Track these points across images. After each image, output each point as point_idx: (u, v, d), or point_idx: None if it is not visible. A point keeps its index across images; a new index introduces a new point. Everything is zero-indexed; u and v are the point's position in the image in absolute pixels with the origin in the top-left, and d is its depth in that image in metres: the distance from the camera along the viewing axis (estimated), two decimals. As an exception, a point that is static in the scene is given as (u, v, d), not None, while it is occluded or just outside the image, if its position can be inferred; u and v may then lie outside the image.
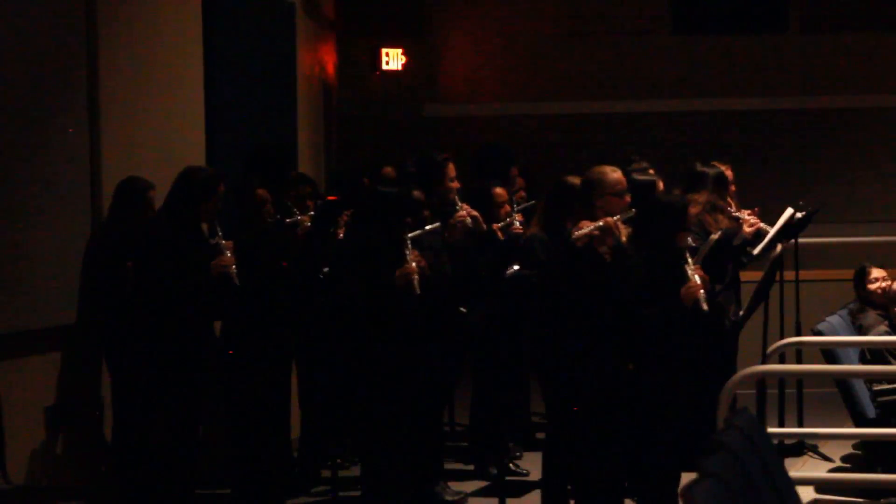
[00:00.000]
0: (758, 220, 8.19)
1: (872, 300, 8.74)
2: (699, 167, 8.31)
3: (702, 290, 6.60)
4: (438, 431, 8.07)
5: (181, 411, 7.33)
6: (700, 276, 6.66)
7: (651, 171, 8.23)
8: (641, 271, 6.64)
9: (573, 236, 6.58)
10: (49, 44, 7.47)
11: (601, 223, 6.58)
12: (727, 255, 7.89)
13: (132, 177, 7.62)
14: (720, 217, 8.06)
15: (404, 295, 7.03)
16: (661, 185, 7.75)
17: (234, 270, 7.27)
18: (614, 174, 6.82)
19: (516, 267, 6.86)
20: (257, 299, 7.50)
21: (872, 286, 8.76)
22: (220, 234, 7.32)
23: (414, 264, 7.03)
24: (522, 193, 9.30)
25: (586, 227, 6.58)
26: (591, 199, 6.75)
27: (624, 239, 6.71)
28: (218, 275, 7.26)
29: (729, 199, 8.35)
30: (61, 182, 7.49)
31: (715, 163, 8.51)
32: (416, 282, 7.00)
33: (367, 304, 7.07)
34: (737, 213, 8.18)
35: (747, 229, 8.10)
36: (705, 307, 6.59)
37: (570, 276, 6.63)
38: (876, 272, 8.81)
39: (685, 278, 6.62)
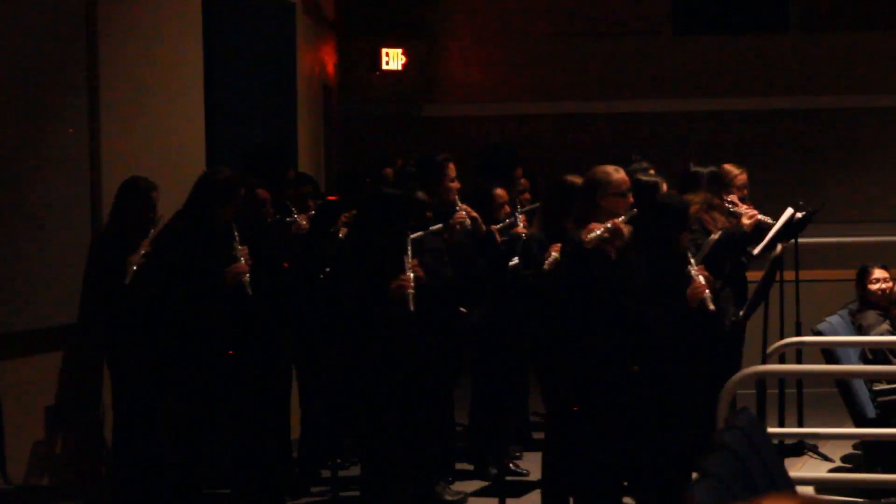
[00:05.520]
0: (755, 212, 8.16)
1: (871, 300, 8.76)
2: (693, 167, 8.28)
3: (707, 290, 6.61)
4: (445, 431, 8.05)
5: (182, 412, 7.32)
6: (704, 276, 6.66)
7: (652, 171, 8.22)
8: (644, 272, 6.63)
9: (585, 239, 6.49)
10: (49, 44, 7.47)
11: (609, 224, 6.51)
12: (727, 255, 7.88)
13: (135, 177, 7.54)
14: (717, 215, 8.04)
15: (397, 306, 6.90)
16: (664, 186, 7.73)
17: (248, 279, 7.20)
18: (617, 174, 6.76)
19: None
20: (257, 299, 7.48)
21: (873, 286, 8.78)
22: (237, 238, 7.25)
23: (411, 274, 6.89)
24: (528, 195, 9.27)
25: (597, 230, 6.51)
26: (594, 199, 6.72)
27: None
28: (232, 283, 7.22)
29: (735, 199, 8.29)
30: (61, 182, 7.49)
31: (730, 165, 8.48)
32: (410, 297, 6.83)
33: (361, 306, 7.04)
34: (734, 209, 8.15)
35: (746, 222, 8.07)
36: (711, 307, 6.60)
37: (578, 277, 6.58)
38: (878, 272, 8.82)
39: (688, 279, 6.61)
